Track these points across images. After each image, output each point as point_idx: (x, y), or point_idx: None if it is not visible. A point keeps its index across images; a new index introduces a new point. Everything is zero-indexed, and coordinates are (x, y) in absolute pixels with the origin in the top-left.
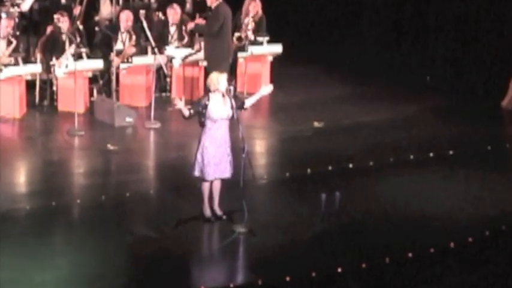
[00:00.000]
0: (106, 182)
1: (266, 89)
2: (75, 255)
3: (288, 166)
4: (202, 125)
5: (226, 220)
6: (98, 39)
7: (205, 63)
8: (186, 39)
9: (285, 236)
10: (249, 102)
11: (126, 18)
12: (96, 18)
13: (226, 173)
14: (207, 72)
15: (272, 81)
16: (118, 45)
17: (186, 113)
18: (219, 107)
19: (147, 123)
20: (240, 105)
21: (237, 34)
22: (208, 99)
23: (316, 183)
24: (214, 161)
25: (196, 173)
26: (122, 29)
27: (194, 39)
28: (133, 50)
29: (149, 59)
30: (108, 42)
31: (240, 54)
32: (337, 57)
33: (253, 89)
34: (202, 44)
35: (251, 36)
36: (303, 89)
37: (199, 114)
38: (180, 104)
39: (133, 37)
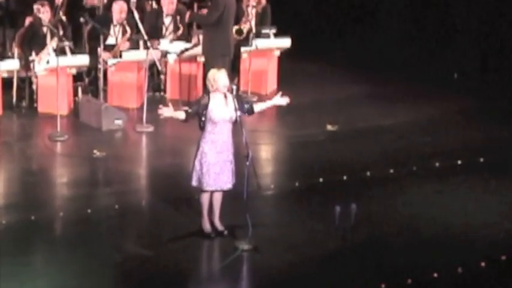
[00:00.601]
0: (92, 193)
1: (281, 100)
2: (57, 276)
3: (298, 175)
4: (202, 128)
5: (228, 236)
6: (83, 32)
7: (203, 59)
8: (180, 30)
9: (294, 254)
10: (257, 108)
11: (119, 10)
12: (84, 1)
13: (228, 182)
14: (206, 69)
15: (279, 78)
16: (110, 40)
17: (182, 115)
18: (221, 108)
19: (138, 127)
20: (248, 109)
21: (236, 26)
22: (208, 99)
23: (329, 194)
24: (214, 169)
25: (194, 183)
26: (115, 22)
27: (192, 31)
28: (128, 45)
29: (141, 54)
30: (95, 35)
31: (243, 49)
32: (353, 52)
33: (258, 87)
34: (201, 37)
35: (253, 29)
36: (314, 88)
37: (199, 116)
38: (167, 112)
39: (128, 31)
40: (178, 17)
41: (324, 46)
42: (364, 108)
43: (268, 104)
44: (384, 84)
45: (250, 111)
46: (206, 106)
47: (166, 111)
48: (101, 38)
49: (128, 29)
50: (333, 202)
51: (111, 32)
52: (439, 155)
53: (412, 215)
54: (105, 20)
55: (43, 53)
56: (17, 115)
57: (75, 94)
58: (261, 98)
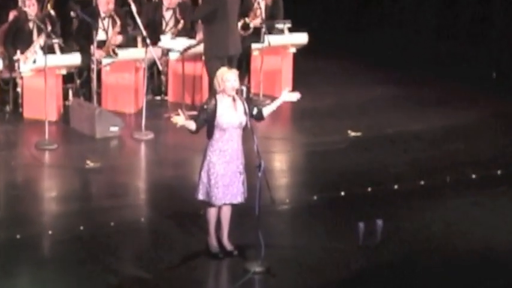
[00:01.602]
0: (85, 208)
1: (290, 95)
2: None
3: (316, 187)
4: (211, 135)
5: (238, 256)
6: (74, 28)
7: None
8: (181, 24)
9: (312, 276)
10: (267, 111)
11: (105, 0)
12: None
13: (238, 195)
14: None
15: (294, 79)
16: (99, 35)
17: (193, 126)
18: (229, 113)
19: (136, 134)
20: (257, 115)
21: (242, 20)
22: (215, 103)
23: (352, 209)
24: (223, 181)
25: (201, 196)
26: (102, 14)
27: (196, 26)
28: (120, 39)
29: (139, 53)
30: (87, 31)
31: (254, 46)
32: (378, 49)
33: (271, 89)
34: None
35: (264, 23)
36: (334, 89)
37: (208, 123)
38: (180, 121)
39: (118, 22)
40: (177, 9)
41: (345, 42)
42: (390, 112)
43: (277, 102)
44: (413, 85)
45: (260, 116)
46: (214, 111)
47: (179, 120)
48: (94, 34)
49: (117, 20)
50: (356, 218)
51: (100, 25)
52: (476, 165)
53: (445, 232)
54: (93, 14)
55: (29, 52)
56: None
57: (65, 97)
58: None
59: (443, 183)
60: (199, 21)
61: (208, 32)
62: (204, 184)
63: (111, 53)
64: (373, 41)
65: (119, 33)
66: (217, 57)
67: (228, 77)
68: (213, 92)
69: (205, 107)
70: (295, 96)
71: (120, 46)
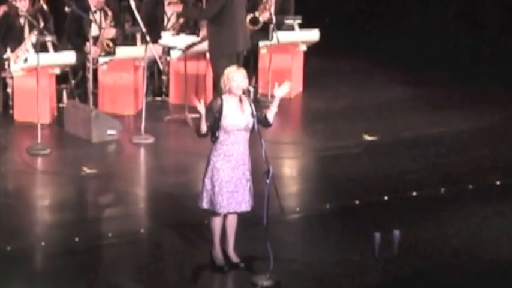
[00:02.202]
0: (80, 218)
1: (283, 89)
2: None
3: (329, 195)
4: (215, 138)
5: (245, 269)
6: (68, 24)
7: None
8: (182, 19)
9: None
10: (270, 115)
11: None
12: None
13: (243, 204)
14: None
15: (305, 79)
16: (93, 31)
17: (204, 127)
18: (235, 114)
19: (135, 138)
20: (263, 121)
21: (251, 14)
22: (221, 102)
23: (367, 218)
24: (228, 187)
25: (205, 205)
26: (93, 8)
27: (199, 22)
28: (112, 32)
29: (138, 51)
30: (81, 28)
31: (262, 43)
32: (395, 47)
33: None
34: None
35: (273, 19)
36: (348, 90)
37: (215, 124)
38: (202, 110)
39: (109, 14)
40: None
41: (359, 39)
42: (409, 115)
43: (275, 103)
44: (433, 86)
45: (265, 122)
46: (220, 111)
47: (201, 109)
48: (89, 30)
49: (109, 12)
50: (372, 228)
51: (92, 20)
52: (500, 171)
53: (468, 243)
54: (84, 8)
55: (20, 50)
56: None
57: (59, 99)
58: (283, 103)
59: (466, 191)
60: None
61: (214, 28)
62: (208, 191)
63: (105, 48)
64: (391, 38)
65: (112, 26)
66: (226, 56)
67: (234, 76)
68: (218, 92)
69: (212, 107)
70: (286, 87)
71: (114, 41)
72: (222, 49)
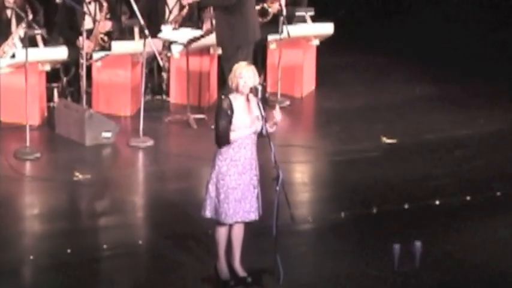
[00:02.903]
0: (72, 228)
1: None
2: None
3: (344, 203)
4: (226, 142)
5: (252, 284)
6: (59, 16)
7: (219, 51)
8: (185, 10)
9: None
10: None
11: None
12: None
13: (252, 213)
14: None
15: (318, 76)
16: (87, 23)
17: (237, 135)
18: (243, 116)
19: (133, 141)
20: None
21: (260, 5)
22: (230, 102)
23: (386, 228)
24: (235, 195)
25: (208, 214)
26: None
27: (203, 14)
28: (108, 25)
29: (136, 45)
30: (74, 20)
31: (271, 37)
32: (415, 42)
33: (290, 88)
34: (214, 22)
35: (283, 10)
36: (364, 88)
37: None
38: (278, 116)
39: (105, 5)
40: None
41: (376, 33)
42: (430, 115)
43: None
44: (457, 84)
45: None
46: (232, 111)
47: (277, 115)
48: (83, 23)
49: (104, 3)
50: (391, 239)
51: (86, 12)
52: None
53: (495, 255)
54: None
55: (7, 45)
56: None
57: (50, 98)
58: (294, 102)
59: (492, 198)
60: (209, 9)
61: (225, 18)
62: (212, 199)
63: (100, 42)
64: (410, 32)
65: (107, 18)
66: (239, 47)
67: (242, 72)
68: (225, 90)
69: (222, 106)
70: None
71: (110, 35)
72: (235, 40)
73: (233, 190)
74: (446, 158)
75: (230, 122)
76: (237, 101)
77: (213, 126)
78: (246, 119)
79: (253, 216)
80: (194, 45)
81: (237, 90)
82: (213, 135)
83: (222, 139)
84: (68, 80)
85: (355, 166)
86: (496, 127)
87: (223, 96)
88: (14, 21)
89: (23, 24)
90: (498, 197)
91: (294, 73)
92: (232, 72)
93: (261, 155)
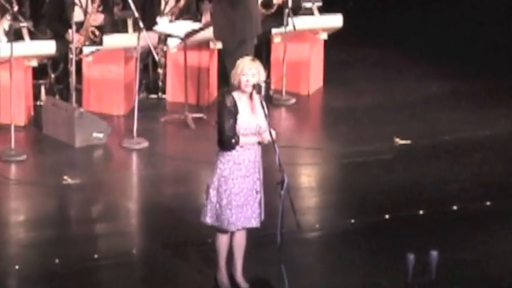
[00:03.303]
0: (61, 236)
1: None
2: None
3: (354, 209)
4: (233, 144)
5: None
6: (47, 7)
7: (219, 45)
8: (182, 1)
9: None
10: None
11: None
12: None
13: (253, 219)
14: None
15: (326, 72)
16: (77, 15)
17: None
18: (246, 115)
19: (126, 142)
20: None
21: None
22: (233, 99)
23: (399, 236)
24: (237, 200)
25: (209, 220)
26: None
27: (202, 5)
28: (100, 18)
29: (130, 39)
30: (63, 12)
31: (275, 30)
32: (431, 35)
33: (296, 85)
34: (212, 13)
35: (289, 1)
36: (376, 85)
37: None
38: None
39: None
40: None
41: (389, 26)
42: (448, 114)
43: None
44: (477, 80)
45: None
46: (237, 109)
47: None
48: (72, 15)
49: None
50: (405, 248)
51: (77, 3)
52: None
53: None
54: None
55: None
56: None
57: (37, 96)
58: (300, 100)
59: None
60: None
61: (223, 10)
62: (213, 204)
63: (91, 36)
64: (425, 25)
65: (99, 10)
66: (240, 41)
67: (244, 68)
68: (229, 88)
69: (226, 104)
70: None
71: (101, 28)
72: (237, 35)
73: (236, 195)
74: (465, 161)
75: (235, 122)
76: (240, 99)
77: (215, 124)
78: (249, 119)
79: (254, 223)
80: (192, 38)
81: (239, 87)
82: (215, 137)
83: (227, 141)
84: (56, 76)
85: (366, 169)
86: None
87: (225, 94)
88: None
89: (8, 16)
90: None
91: (300, 69)
92: (235, 68)
93: (265, 157)
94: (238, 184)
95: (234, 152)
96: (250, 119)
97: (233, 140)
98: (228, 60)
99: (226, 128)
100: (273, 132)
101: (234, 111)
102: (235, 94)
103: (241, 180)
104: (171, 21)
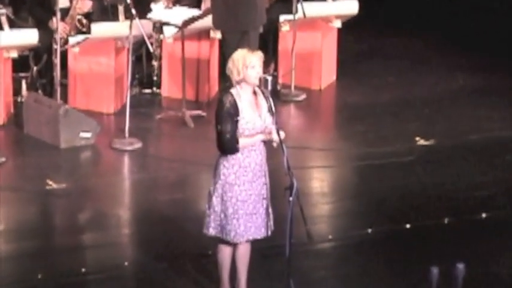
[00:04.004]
0: (45, 247)
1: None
2: None
3: (371, 217)
4: (234, 149)
5: None
6: None
7: (219, 35)
8: None
9: None
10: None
11: None
12: None
13: (263, 228)
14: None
15: (340, 64)
16: (63, 2)
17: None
18: (250, 113)
19: (117, 143)
20: None
21: None
22: (233, 98)
23: (422, 247)
24: (245, 208)
25: (213, 231)
26: None
27: None
28: (88, 5)
29: (121, 28)
30: None
31: (283, 18)
32: (457, 23)
33: (306, 79)
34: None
35: None
36: (395, 78)
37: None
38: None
39: None
40: None
41: (410, 12)
42: (475, 111)
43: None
44: (506, 75)
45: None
46: (237, 109)
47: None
48: (57, 0)
49: None
50: (428, 261)
51: None
52: None
53: None
54: None
55: None
56: None
57: (17, 91)
58: (311, 96)
59: None
60: None
61: None
62: (217, 214)
63: (78, 25)
64: (451, 12)
65: None
66: (242, 31)
67: (252, 61)
68: (227, 84)
69: (226, 106)
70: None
71: (89, 16)
72: (238, 24)
73: (243, 203)
74: (495, 163)
75: (236, 124)
76: (243, 96)
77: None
78: (255, 116)
79: (264, 232)
80: (190, 27)
81: (245, 82)
82: (215, 139)
83: (228, 146)
84: (38, 69)
85: (385, 173)
86: None
87: (223, 93)
88: None
89: None
90: None
91: (311, 61)
92: (238, 62)
93: (271, 159)
94: (245, 190)
95: (239, 155)
96: (255, 118)
97: (237, 144)
98: (228, 52)
99: (226, 134)
100: (282, 133)
101: (234, 112)
102: (234, 92)
103: (249, 185)
104: (167, 7)
